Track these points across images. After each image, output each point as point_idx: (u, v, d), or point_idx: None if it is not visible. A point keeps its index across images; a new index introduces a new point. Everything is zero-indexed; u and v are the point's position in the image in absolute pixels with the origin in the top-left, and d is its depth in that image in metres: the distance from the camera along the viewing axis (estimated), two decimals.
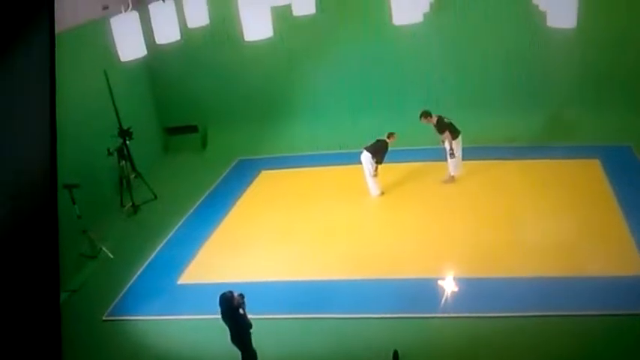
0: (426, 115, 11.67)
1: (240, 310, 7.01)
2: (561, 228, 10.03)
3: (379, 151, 11.54)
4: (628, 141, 12.68)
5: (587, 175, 11.74)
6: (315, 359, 8.03)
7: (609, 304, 8.13)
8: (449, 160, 11.80)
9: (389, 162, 11.73)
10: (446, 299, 8.70)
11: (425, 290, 8.92)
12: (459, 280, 9.03)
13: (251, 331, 7.11)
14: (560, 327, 7.89)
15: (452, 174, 11.92)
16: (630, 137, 12.67)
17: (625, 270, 8.80)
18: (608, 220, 10.17)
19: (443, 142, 11.67)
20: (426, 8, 8.38)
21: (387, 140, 11.61)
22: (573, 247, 9.50)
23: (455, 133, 11.63)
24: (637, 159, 12.19)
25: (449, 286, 8.92)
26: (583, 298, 8.33)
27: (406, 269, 9.47)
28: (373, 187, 11.78)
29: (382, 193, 11.83)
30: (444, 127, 11.58)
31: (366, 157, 11.59)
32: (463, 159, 11.98)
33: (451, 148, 11.59)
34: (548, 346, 7.66)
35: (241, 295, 7.07)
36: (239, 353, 7.29)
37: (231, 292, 7.05)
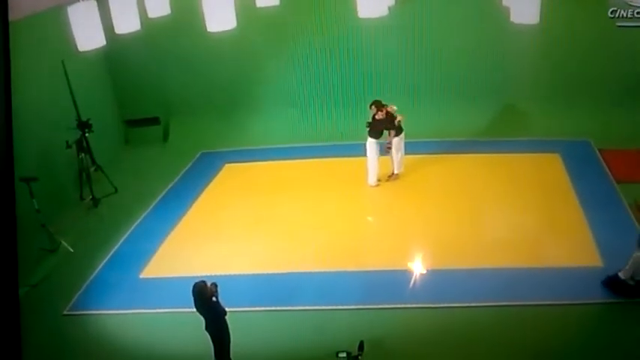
0: (378, 105, 11.38)
1: (214, 298, 7.11)
2: (522, 220, 10.24)
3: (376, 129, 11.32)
4: (588, 136, 12.91)
5: (548, 169, 11.96)
6: (283, 352, 8.04)
7: (567, 293, 8.38)
8: (393, 157, 11.77)
9: (356, 156, 11.71)
10: (411, 290, 8.80)
11: (390, 282, 9.00)
12: (423, 272, 9.13)
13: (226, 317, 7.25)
14: (520, 316, 8.10)
15: (396, 172, 11.95)
16: (590, 132, 12.92)
17: (582, 261, 9.07)
18: (568, 213, 10.41)
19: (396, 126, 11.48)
20: (391, 1, 8.39)
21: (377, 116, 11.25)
22: (533, 239, 9.72)
23: (399, 130, 11.54)
24: (596, 154, 12.44)
25: (414, 277, 9.02)
26: (542, 288, 8.54)
27: (372, 261, 9.55)
28: (372, 174, 11.68)
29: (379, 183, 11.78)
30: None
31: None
32: (424, 151, 12.08)
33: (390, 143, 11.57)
34: (509, 334, 7.84)
35: (214, 285, 7.15)
36: (201, 346, 7.36)
37: (203, 282, 7.12)
